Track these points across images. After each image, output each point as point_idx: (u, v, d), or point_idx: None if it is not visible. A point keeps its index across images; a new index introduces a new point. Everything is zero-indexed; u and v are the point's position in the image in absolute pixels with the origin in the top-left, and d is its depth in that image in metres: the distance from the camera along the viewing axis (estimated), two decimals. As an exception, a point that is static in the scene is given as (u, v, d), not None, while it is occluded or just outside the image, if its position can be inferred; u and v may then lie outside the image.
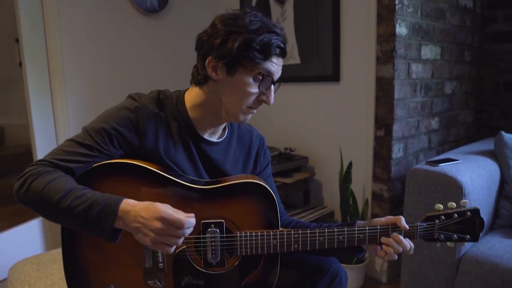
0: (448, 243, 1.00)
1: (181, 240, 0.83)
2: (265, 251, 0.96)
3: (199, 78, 0.97)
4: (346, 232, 0.96)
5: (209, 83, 0.96)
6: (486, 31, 2.45)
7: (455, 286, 1.53)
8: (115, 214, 0.81)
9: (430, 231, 0.99)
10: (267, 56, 0.91)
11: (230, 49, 0.88)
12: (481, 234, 1.01)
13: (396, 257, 0.96)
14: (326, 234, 0.96)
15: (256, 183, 0.97)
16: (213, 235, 0.94)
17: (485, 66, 2.48)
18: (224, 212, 0.95)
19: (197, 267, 0.96)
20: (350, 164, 1.96)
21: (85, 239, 0.93)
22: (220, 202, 0.95)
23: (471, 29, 2.37)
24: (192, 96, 1.00)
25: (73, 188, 0.83)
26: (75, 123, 2.25)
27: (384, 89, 1.92)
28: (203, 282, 0.97)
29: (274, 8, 2.41)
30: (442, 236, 0.99)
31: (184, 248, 0.95)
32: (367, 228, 0.97)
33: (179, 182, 0.93)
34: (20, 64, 2.13)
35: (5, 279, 1.95)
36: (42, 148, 2.15)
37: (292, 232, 0.96)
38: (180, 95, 1.01)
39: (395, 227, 0.97)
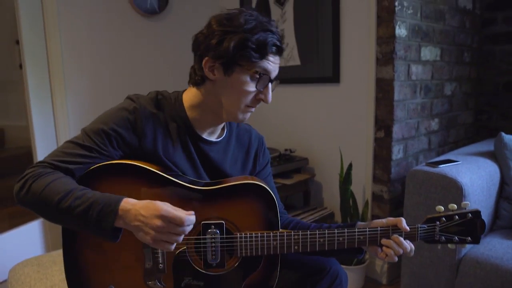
0: (449, 245, 1.00)
1: (181, 238, 0.83)
2: (265, 252, 0.96)
3: (197, 79, 0.97)
4: (346, 234, 0.96)
5: (206, 83, 0.97)
6: (486, 33, 2.46)
7: (455, 287, 1.53)
8: (115, 213, 0.81)
9: (431, 233, 0.98)
10: (263, 55, 0.91)
11: (226, 49, 0.89)
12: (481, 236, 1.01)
13: (396, 259, 0.96)
14: (326, 235, 0.96)
15: (256, 184, 0.97)
16: (213, 236, 0.94)
17: (485, 67, 2.48)
18: (224, 213, 0.95)
19: (197, 268, 0.96)
20: (350, 165, 1.96)
21: (86, 239, 0.93)
22: (220, 203, 0.95)
23: (470, 31, 2.37)
24: (190, 96, 1.00)
25: (73, 189, 0.83)
26: (75, 125, 2.25)
27: (384, 91, 1.93)
28: (203, 283, 0.97)
29: (274, 9, 2.42)
30: (443, 238, 0.98)
31: (184, 248, 0.95)
32: (367, 229, 0.96)
33: (179, 183, 0.93)
34: (20, 66, 2.13)
35: (5, 281, 1.95)
36: (43, 150, 2.16)
37: (292, 233, 0.96)
38: (178, 96, 1.02)
39: (396, 229, 0.96)
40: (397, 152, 1.98)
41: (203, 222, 0.94)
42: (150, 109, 0.96)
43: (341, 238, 0.96)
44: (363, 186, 2.10)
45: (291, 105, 2.43)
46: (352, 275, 1.93)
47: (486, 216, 1.62)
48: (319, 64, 2.21)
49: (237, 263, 0.97)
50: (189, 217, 0.82)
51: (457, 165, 1.62)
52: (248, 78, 0.92)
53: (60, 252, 1.41)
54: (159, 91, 1.02)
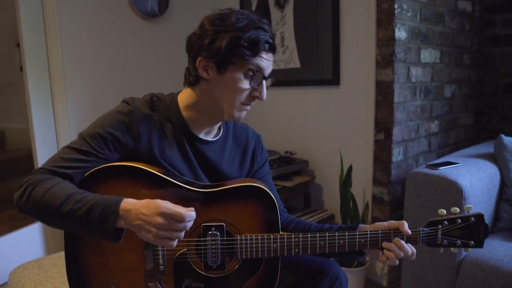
0: (452, 249, 0.99)
1: (182, 234, 0.84)
2: (265, 255, 0.96)
3: (191, 79, 0.98)
4: (347, 237, 0.96)
5: (201, 83, 0.97)
6: (485, 35, 2.46)
7: (455, 289, 1.53)
8: (116, 214, 0.82)
9: (433, 237, 0.97)
10: (256, 52, 0.92)
11: (219, 48, 0.90)
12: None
13: (397, 262, 0.96)
14: (327, 238, 0.96)
15: (257, 186, 0.97)
16: (214, 238, 0.94)
17: (484, 69, 2.49)
18: (224, 216, 0.95)
19: (198, 270, 0.96)
20: (350, 168, 1.96)
21: (87, 241, 0.94)
22: (220, 205, 0.96)
23: (470, 33, 2.38)
24: (186, 97, 1.01)
25: (73, 193, 0.84)
26: (76, 127, 2.25)
27: (384, 93, 1.93)
28: (203, 285, 0.97)
29: (274, 12, 2.42)
30: (446, 241, 0.97)
31: (185, 250, 0.95)
32: (368, 232, 0.96)
33: (180, 185, 0.94)
34: (21, 69, 2.14)
35: (5, 283, 1.94)
36: (43, 152, 2.16)
37: (293, 236, 0.96)
38: (173, 97, 1.02)
39: (397, 232, 0.96)
40: (397, 154, 1.98)
41: (203, 224, 0.94)
42: (144, 111, 0.97)
43: (342, 241, 0.96)
44: (363, 188, 2.10)
45: (291, 107, 2.43)
46: (352, 277, 1.93)
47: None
48: (319, 67, 2.22)
49: (238, 266, 0.97)
50: (189, 213, 0.83)
51: (457, 167, 1.63)
52: (241, 76, 0.93)
53: (60, 254, 1.41)
54: (154, 94, 1.03)
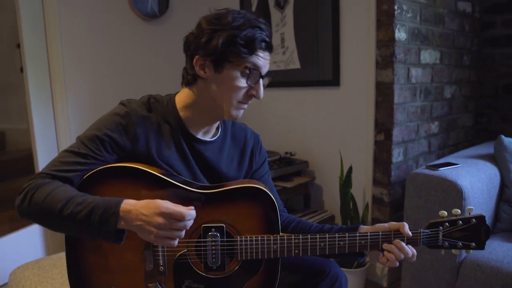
0: (453, 251, 0.98)
1: (183, 233, 0.84)
2: (265, 256, 0.96)
3: (189, 78, 0.98)
4: (347, 238, 0.96)
5: (198, 82, 0.98)
6: (485, 36, 2.46)
7: (455, 290, 1.53)
8: (116, 215, 0.82)
9: (434, 238, 0.97)
10: (252, 50, 0.92)
11: (215, 46, 0.90)
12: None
13: (397, 264, 0.95)
14: (327, 240, 0.96)
15: (257, 187, 0.97)
16: (214, 239, 0.94)
17: (484, 70, 2.49)
18: (224, 217, 0.95)
19: (198, 271, 0.96)
20: (350, 168, 1.96)
21: (88, 242, 0.94)
22: (221, 206, 0.96)
23: (470, 34, 2.38)
24: (183, 97, 1.01)
25: (73, 196, 0.85)
26: (76, 128, 2.25)
27: (384, 94, 1.93)
28: (203, 286, 0.97)
29: (274, 13, 2.43)
30: (447, 243, 0.97)
31: (185, 251, 0.95)
32: (368, 234, 0.96)
33: (180, 185, 0.94)
34: (21, 69, 2.14)
35: (5, 284, 1.94)
36: (43, 153, 2.16)
37: (293, 237, 0.96)
38: (171, 98, 1.03)
39: (398, 234, 0.96)
40: (397, 155, 1.98)
41: (203, 225, 0.94)
42: (141, 112, 0.97)
43: (342, 243, 0.96)
44: (363, 189, 2.10)
45: (291, 108, 2.43)
46: (352, 278, 1.93)
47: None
48: (319, 68, 2.22)
49: (238, 267, 0.97)
50: (189, 211, 0.83)
51: (457, 168, 1.63)
52: (238, 74, 0.93)
53: (60, 255, 1.41)
54: (152, 95, 1.03)
